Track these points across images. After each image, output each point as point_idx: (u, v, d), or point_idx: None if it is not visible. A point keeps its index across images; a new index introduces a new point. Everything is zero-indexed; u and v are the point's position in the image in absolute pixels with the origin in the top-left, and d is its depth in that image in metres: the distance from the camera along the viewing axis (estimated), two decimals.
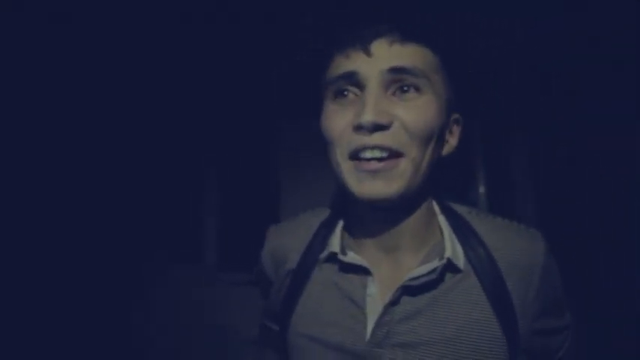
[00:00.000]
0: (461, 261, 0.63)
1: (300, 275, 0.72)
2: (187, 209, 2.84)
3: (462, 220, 0.67)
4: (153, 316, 2.70)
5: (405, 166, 0.59)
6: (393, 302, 0.63)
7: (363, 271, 0.66)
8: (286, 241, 0.76)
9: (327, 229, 0.73)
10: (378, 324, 0.63)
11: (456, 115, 0.68)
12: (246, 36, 2.38)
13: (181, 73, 2.66)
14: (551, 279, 0.64)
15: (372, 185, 0.59)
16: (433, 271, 0.61)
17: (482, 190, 2.13)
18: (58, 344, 2.49)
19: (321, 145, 2.27)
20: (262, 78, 2.48)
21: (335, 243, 0.69)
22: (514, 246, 0.64)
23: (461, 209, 0.70)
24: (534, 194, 1.98)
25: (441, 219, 0.68)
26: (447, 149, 0.68)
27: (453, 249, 0.63)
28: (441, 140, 0.64)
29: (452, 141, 0.68)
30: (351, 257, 0.67)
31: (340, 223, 0.72)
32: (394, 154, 0.59)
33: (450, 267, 0.63)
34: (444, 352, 0.60)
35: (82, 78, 2.63)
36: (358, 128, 0.59)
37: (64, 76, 2.57)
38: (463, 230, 0.66)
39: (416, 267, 0.63)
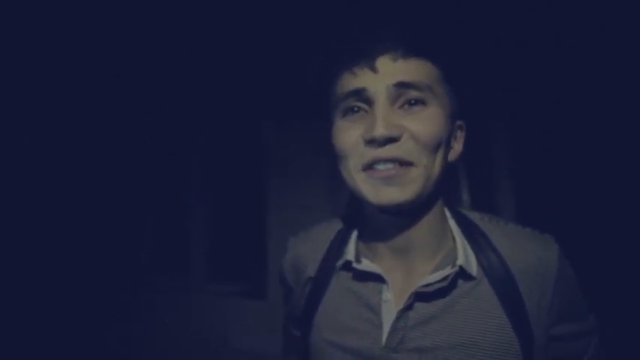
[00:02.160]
0: (473, 268, 0.65)
1: (319, 283, 0.74)
2: (175, 220, 2.81)
3: (474, 225, 0.69)
4: (141, 327, 2.65)
5: (416, 173, 0.62)
6: (406, 308, 0.64)
7: (377, 278, 0.68)
8: (305, 250, 0.80)
9: (342, 238, 0.76)
10: (393, 329, 0.65)
11: (459, 122, 0.71)
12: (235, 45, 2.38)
13: (169, 81, 2.64)
14: (566, 284, 0.65)
15: (387, 192, 0.61)
16: (445, 278, 0.63)
17: (465, 196, 2.17)
18: (44, 352, 2.43)
19: (308, 157, 2.26)
20: (250, 88, 2.48)
21: (350, 252, 0.71)
22: (527, 252, 0.65)
23: (472, 215, 0.72)
24: (515, 198, 2.03)
25: (453, 225, 0.70)
26: (452, 155, 0.70)
27: (465, 256, 0.65)
28: (447, 147, 0.67)
29: (457, 147, 0.71)
30: (365, 265, 0.69)
31: (355, 232, 0.74)
32: (405, 163, 0.61)
33: (463, 274, 0.65)
34: (459, 357, 0.61)
35: (62, 86, 2.58)
36: (370, 142, 0.61)
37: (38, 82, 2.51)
38: (475, 236, 0.68)
39: (429, 274, 0.65)
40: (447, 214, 0.72)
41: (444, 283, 0.63)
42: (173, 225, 2.83)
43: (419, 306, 0.65)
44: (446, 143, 0.65)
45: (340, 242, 0.75)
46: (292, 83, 2.28)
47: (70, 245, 2.66)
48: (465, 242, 0.67)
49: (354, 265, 0.69)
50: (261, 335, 2.20)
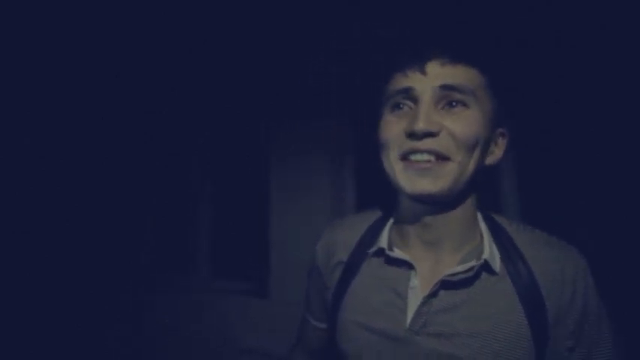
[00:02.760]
0: (497, 264, 0.70)
1: (351, 267, 0.80)
2: (177, 219, 2.81)
3: (502, 229, 0.75)
4: (147, 326, 2.64)
5: (451, 167, 0.67)
6: (432, 295, 0.69)
7: (406, 265, 0.73)
8: (339, 237, 0.85)
9: (376, 227, 0.82)
10: (417, 313, 0.70)
11: (501, 129, 0.76)
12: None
13: (169, 80, 2.65)
14: (585, 294, 0.68)
15: (421, 182, 0.67)
16: (471, 269, 0.68)
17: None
18: (44, 352, 2.43)
19: (310, 157, 2.28)
20: (251, 88, 2.50)
21: (383, 240, 0.77)
22: (550, 258, 0.70)
23: (502, 220, 0.77)
24: (520, 197, 2.04)
25: (482, 226, 0.75)
26: (491, 159, 0.75)
27: (491, 252, 0.70)
28: (485, 150, 0.72)
29: (497, 152, 0.76)
30: (397, 253, 0.74)
31: (389, 223, 0.80)
32: (441, 158, 0.67)
33: (487, 268, 0.69)
34: (476, 345, 0.66)
35: (70, 90, 2.58)
36: (411, 135, 0.67)
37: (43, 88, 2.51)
38: (502, 238, 0.73)
39: (455, 265, 0.71)
40: (479, 216, 0.77)
41: (470, 274, 0.68)
42: (174, 224, 2.83)
43: (443, 294, 0.69)
44: (483, 145, 0.70)
45: (374, 231, 0.81)
46: (293, 83, 2.32)
47: (71, 245, 2.64)
48: (492, 241, 0.73)
49: (387, 252, 0.75)
50: (264, 334, 2.22)
